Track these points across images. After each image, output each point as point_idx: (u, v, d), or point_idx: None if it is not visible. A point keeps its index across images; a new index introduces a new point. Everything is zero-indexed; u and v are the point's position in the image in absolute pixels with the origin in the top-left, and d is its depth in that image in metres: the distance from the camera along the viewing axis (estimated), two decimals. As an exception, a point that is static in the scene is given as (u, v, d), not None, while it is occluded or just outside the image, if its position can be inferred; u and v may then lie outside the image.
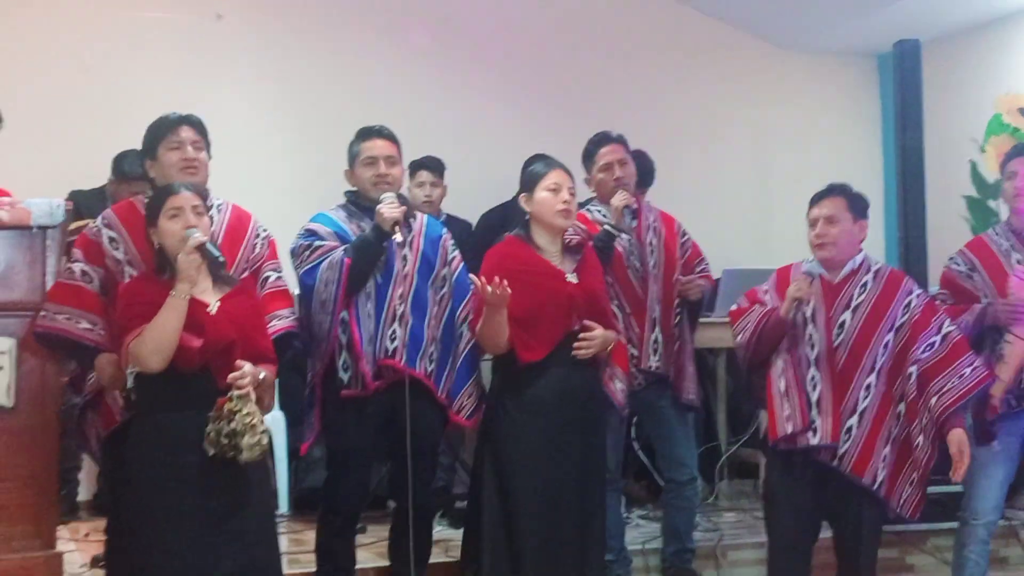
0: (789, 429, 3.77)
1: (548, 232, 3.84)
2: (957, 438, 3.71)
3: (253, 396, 3.27)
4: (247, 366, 3.29)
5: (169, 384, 3.26)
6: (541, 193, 3.82)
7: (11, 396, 3.66)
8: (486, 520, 3.76)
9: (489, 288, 3.55)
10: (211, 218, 3.53)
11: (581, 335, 3.74)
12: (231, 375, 3.25)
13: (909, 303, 3.84)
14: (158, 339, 3.21)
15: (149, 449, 3.29)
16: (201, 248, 3.29)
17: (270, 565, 3.45)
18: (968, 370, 3.76)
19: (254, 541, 3.33)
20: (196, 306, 3.29)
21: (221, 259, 3.35)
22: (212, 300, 3.37)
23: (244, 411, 3.20)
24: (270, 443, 3.41)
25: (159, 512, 3.24)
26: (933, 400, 3.74)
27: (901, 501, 3.77)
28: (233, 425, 3.18)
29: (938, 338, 3.80)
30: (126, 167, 5.32)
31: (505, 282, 3.55)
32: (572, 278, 3.81)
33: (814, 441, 3.74)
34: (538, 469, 3.68)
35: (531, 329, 3.70)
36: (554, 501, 3.68)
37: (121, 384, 3.49)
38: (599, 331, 3.78)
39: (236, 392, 3.23)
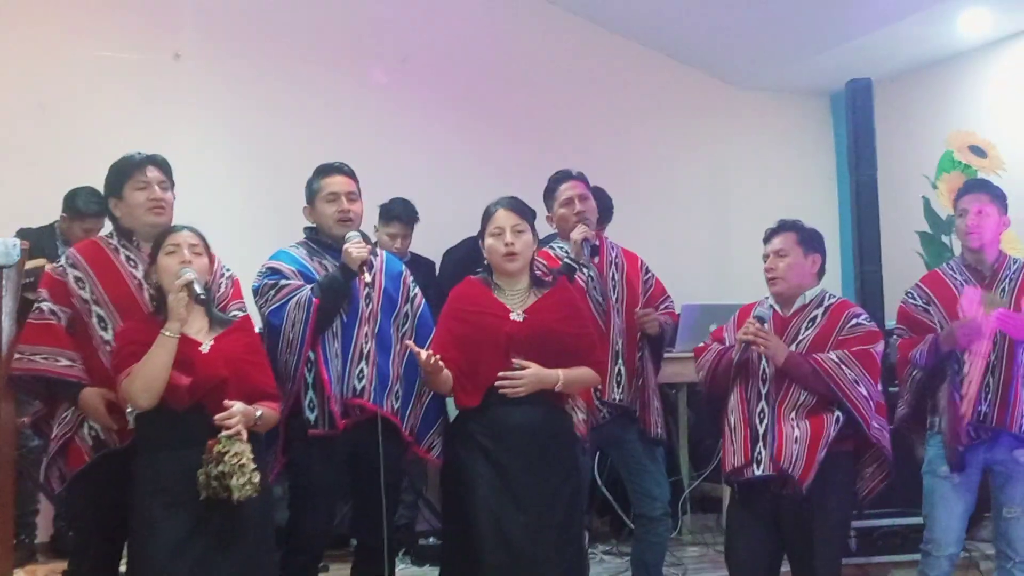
0: (734, 463, 3.88)
1: (504, 273, 3.84)
2: None
3: (244, 434, 3.27)
4: (237, 405, 3.30)
5: (165, 422, 3.30)
6: (487, 239, 3.83)
7: (-34, 439, 3.62)
8: (444, 559, 3.75)
9: (426, 358, 3.59)
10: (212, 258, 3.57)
11: (501, 373, 3.68)
12: (218, 416, 3.26)
13: (849, 325, 3.93)
14: (146, 377, 3.25)
15: (149, 486, 3.31)
16: (188, 286, 3.32)
17: None
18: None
19: (252, 567, 3.35)
20: (189, 345, 3.34)
21: (203, 296, 3.37)
22: (207, 340, 3.41)
23: (232, 452, 3.20)
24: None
25: (158, 548, 3.24)
26: None
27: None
28: (221, 467, 3.18)
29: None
30: (80, 204, 5.29)
31: (437, 358, 3.59)
32: (517, 316, 3.76)
33: (758, 472, 3.81)
34: (488, 506, 3.62)
35: (470, 374, 3.69)
36: (512, 537, 3.60)
37: (109, 418, 3.51)
38: (530, 369, 3.68)
39: (224, 433, 3.23)
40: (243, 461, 3.21)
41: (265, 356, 3.61)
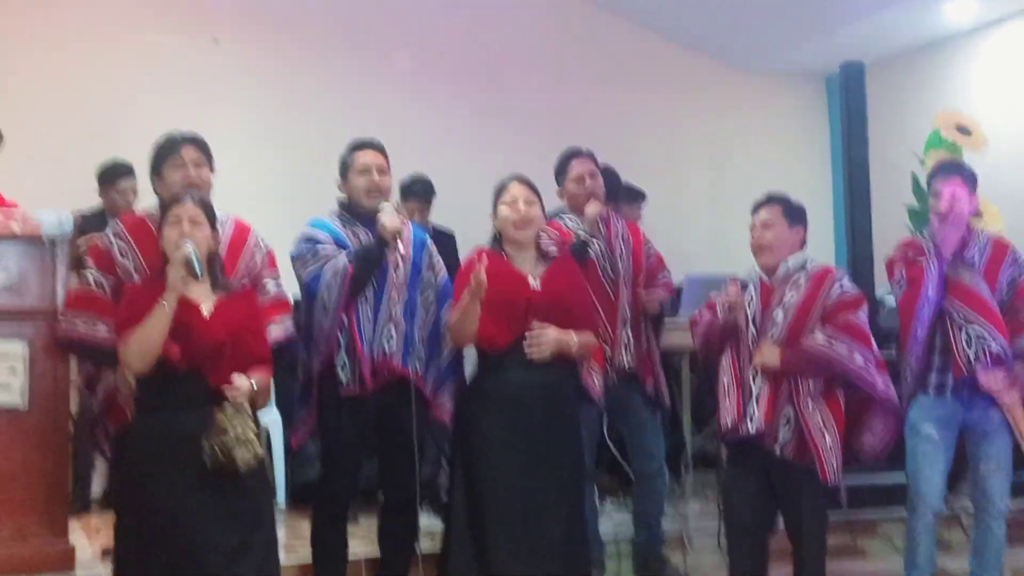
0: (728, 422, 3.85)
1: (514, 243, 3.82)
2: None
3: (247, 407, 3.24)
4: (242, 380, 3.24)
5: (162, 385, 3.24)
6: (500, 208, 3.81)
7: (25, 398, 3.64)
8: (453, 511, 3.72)
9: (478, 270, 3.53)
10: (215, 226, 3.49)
11: (529, 334, 3.67)
12: (228, 391, 3.20)
13: (834, 292, 3.87)
14: (141, 345, 3.19)
15: (146, 446, 3.26)
16: (187, 262, 3.23)
17: (268, 548, 3.41)
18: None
19: (250, 526, 3.30)
20: (190, 309, 3.26)
21: (199, 273, 3.26)
22: (207, 303, 3.33)
23: (236, 424, 3.16)
24: (269, 443, 3.36)
25: (156, 503, 3.19)
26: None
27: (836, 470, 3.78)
28: (225, 439, 3.14)
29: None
30: (106, 171, 5.36)
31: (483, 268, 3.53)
32: (535, 284, 3.76)
33: (750, 429, 3.78)
34: (498, 462, 3.62)
35: (491, 322, 3.66)
36: (517, 494, 3.61)
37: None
38: (551, 331, 3.68)
39: (228, 405, 3.19)
40: (248, 435, 3.18)
41: (263, 324, 3.54)
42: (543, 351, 3.67)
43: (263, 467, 3.42)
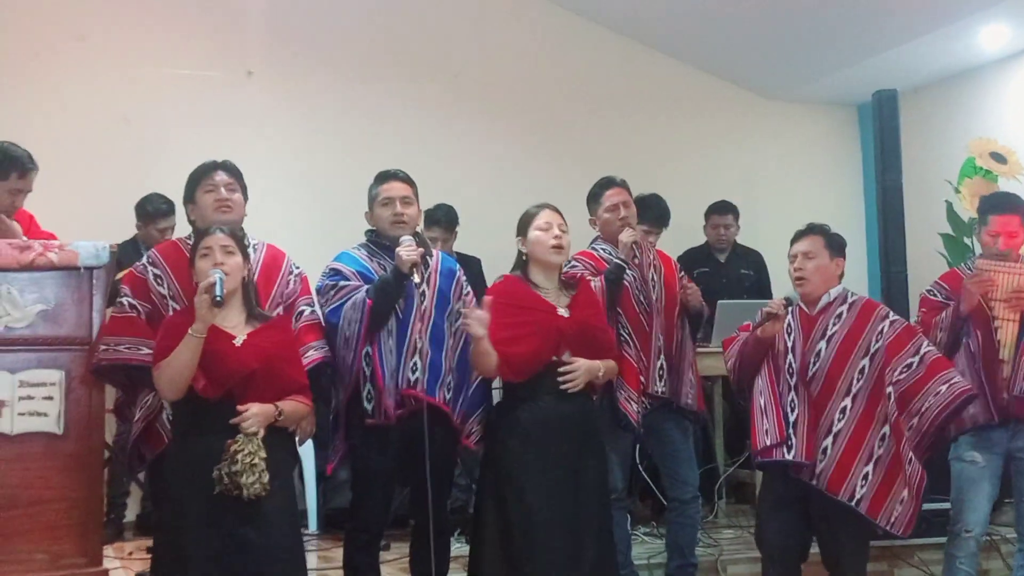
0: (767, 442, 3.79)
1: (543, 269, 3.83)
2: None
3: (261, 434, 3.28)
4: (252, 407, 3.29)
5: (196, 410, 3.32)
6: (533, 232, 3.82)
7: (61, 424, 3.69)
8: (487, 539, 3.71)
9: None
10: (247, 256, 3.55)
11: (560, 368, 3.69)
12: (234, 420, 3.26)
13: (882, 329, 3.84)
14: (171, 373, 3.27)
15: (178, 470, 3.33)
16: (209, 289, 3.29)
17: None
18: (944, 387, 3.76)
19: (276, 558, 3.33)
20: (223, 338, 3.34)
21: (218, 300, 3.29)
22: (241, 333, 3.39)
23: (246, 451, 3.21)
24: (300, 470, 3.39)
25: (184, 528, 3.26)
26: (915, 420, 3.76)
27: (891, 519, 3.73)
28: (235, 466, 3.19)
29: (916, 359, 3.81)
30: (149, 208, 5.47)
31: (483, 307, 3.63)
32: (564, 312, 3.77)
33: (789, 457, 3.74)
34: (530, 489, 3.62)
35: (517, 353, 3.68)
36: (549, 520, 3.61)
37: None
38: (582, 362, 3.71)
39: (241, 434, 3.24)
40: (255, 461, 3.21)
41: (298, 352, 3.60)
42: (578, 383, 3.70)
43: (288, 495, 3.47)
